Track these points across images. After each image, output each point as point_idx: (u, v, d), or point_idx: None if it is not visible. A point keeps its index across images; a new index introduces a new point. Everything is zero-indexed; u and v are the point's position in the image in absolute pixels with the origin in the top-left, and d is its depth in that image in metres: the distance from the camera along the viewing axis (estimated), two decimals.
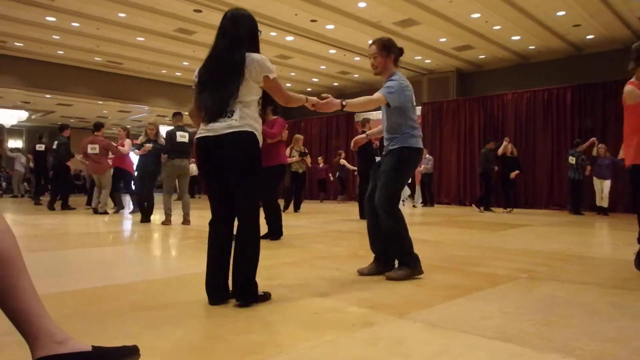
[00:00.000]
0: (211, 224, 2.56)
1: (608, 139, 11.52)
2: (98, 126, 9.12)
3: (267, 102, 5.06)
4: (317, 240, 5.31)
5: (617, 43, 12.00)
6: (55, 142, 9.88)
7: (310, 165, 11.27)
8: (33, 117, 20.25)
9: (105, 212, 8.80)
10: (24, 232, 5.82)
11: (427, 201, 12.97)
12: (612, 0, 9.69)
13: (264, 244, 4.83)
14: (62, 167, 9.84)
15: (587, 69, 12.59)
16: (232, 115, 2.39)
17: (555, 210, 11.80)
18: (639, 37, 11.55)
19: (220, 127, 2.38)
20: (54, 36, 12.15)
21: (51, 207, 9.61)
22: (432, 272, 3.42)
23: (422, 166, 13.19)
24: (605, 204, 10.04)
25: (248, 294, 2.41)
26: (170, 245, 5.01)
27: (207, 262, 2.51)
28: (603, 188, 10.01)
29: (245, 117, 2.39)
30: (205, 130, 2.43)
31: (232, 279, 2.43)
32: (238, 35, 2.44)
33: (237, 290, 2.42)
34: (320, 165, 15.11)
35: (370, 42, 3.36)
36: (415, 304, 2.48)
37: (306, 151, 10.52)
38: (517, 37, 12.02)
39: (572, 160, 10.06)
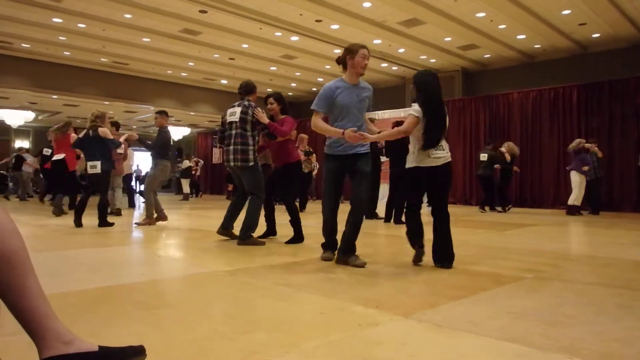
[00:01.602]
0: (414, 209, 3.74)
1: (614, 137, 11.48)
2: (117, 125, 8.96)
3: (283, 105, 5.15)
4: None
5: (623, 42, 11.90)
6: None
7: (315, 164, 11.32)
8: (40, 117, 20.35)
9: (119, 212, 8.79)
10: (30, 232, 5.86)
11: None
12: None
13: (270, 246, 4.85)
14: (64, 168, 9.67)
15: (593, 67, 12.49)
16: (444, 148, 3.57)
17: (562, 209, 11.73)
18: None
19: (439, 158, 3.54)
20: (60, 37, 12.21)
21: (73, 207, 9.46)
22: (437, 271, 3.41)
23: None
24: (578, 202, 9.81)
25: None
26: (175, 245, 5.02)
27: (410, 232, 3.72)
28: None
29: (448, 150, 3.60)
30: (430, 160, 3.54)
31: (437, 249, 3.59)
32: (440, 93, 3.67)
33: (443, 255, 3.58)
34: None
35: (364, 46, 3.72)
36: (420, 304, 2.48)
37: (311, 150, 10.57)
38: (522, 36, 11.96)
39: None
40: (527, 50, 13.11)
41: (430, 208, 3.77)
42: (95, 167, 6.44)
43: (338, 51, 13.23)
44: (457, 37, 12.08)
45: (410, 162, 3.65)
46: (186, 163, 16.85)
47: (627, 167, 11.22)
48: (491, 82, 14.73)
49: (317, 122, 3.75)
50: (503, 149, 10.72)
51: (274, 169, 5.46)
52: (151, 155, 6.96)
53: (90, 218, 6.75)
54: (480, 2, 9.85)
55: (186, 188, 16.60)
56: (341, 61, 3.77)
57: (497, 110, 13.72)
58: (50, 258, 3.95)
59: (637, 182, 11.15)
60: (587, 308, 2.42)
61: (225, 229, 5.16)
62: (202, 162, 19.77)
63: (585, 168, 9.60)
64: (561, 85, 12.61)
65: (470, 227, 6.92)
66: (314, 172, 14.22)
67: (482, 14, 10.54)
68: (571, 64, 13.03)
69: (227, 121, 4.97)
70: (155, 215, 6.80)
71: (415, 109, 3.58)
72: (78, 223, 6.32)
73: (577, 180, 9.72)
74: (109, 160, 6.62)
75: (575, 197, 9.75)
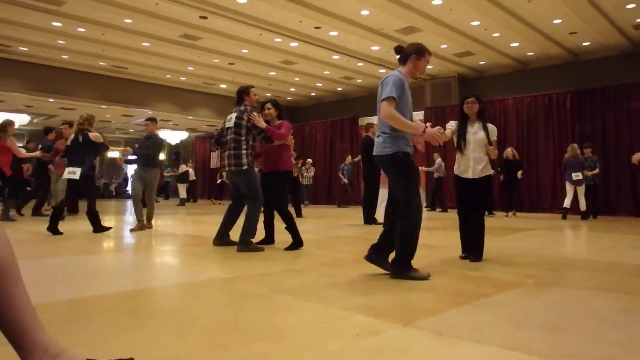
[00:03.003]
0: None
1: (608, 142, 11.57)
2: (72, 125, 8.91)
3: (280, 110, 5.17)
4: (321, 246, 5.28)
5: (614, 50, 12.05)
6: (39, 146, 9.38)
7: (310, 168, 11.36)
8: (35, 121, 20.24)
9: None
10: (20, 238, 5.77)
11: (436, 206, 12.86)
12: (606, 8, 9.72)
13: (269, 253, 4.82)
14: (44, 171, 9.24)
15: (585, 74, 12.64)
16: None
17: (560, 214, 11.73)
18: (634, 43, 11.64)
19: None
20: (59, 41, 12.16)
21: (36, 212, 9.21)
22: (437, 278, 3.39)
23: (429, 169, 13.17)
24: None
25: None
26: (170, 252, 4.97)
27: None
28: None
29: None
30: None
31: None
32: None
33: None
34: None
35: (430, 54, 3.74)
36: (421, 312, 2.45)
37: (297, 154, 10.62)
38: (515, 44, 12.06)
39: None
40: (520, 57, 13.22)
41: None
42: (74, 173, 6.22)
43: (337, 57, 13.27)
44: (453, 45, 12.15)
45: (490, 170, 4.30)
46: (183, 167, 16.81)
47: (623, 171, 11.28)
48: (487, 88, 14.78)
49: (394, 111, 3.27)
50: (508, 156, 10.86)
51: (262, 174, 5.39)
52: (143, 161, 6.98)
53: (83, 223, 6.63)
54: (475, 11, 9.93)
55: (183, 193, 16.53)
56: (403, 53, 3.54)
57: (493, 115, 13.76)
58: (42, 266, 3.89)
59: (633, 186, 11.20)
60: (588, 314, 2.41)
61: (221, 238, 5.15)
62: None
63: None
64: (555, 91, 12.72)
65: None
66: (307, 174, 14.25)
67: (476, 23, 10.63)
68: (564, 71, 13.16)
69: (225, 127, 5.04)
70: (138, 224, 6.87)
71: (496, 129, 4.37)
72: (53, 231, 6.04)
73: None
74: (90, 165, 6.46)
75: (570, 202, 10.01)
